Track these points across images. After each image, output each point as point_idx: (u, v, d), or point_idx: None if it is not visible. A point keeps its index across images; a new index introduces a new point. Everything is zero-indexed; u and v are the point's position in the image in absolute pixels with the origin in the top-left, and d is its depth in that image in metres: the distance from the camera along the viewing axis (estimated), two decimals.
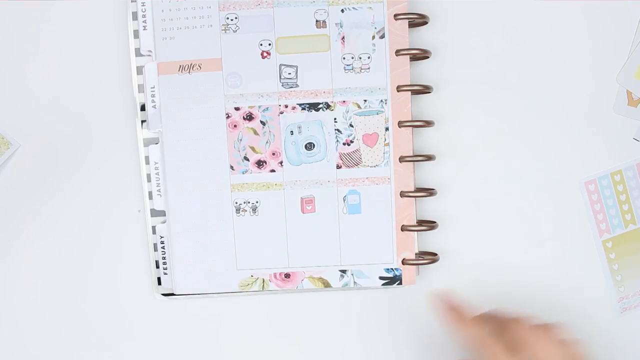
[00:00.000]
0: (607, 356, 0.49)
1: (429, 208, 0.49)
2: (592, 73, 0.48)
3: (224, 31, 0.47)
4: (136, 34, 0.47)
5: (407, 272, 0.48)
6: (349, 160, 0.47)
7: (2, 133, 0.49)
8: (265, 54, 0.47)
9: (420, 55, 0.47)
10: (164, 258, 0.48)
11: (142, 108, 0.48)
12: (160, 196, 0.48)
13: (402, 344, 0.49)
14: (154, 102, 0.47)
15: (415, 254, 0.48)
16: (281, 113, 0.47)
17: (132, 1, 0.47)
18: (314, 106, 0.47)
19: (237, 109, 0.47)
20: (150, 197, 0.48)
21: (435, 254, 0.48)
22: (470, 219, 0.49)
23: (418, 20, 0.47)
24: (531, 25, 0.48)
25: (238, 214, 0.48)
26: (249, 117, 0.47)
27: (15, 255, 0.50)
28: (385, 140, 0.47)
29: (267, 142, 0.47)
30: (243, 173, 0.47)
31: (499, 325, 0.42)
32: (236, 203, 0.48)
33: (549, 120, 0.48)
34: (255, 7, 0.47)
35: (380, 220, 0.47)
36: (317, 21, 0.47)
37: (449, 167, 0.48)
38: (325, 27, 0.46)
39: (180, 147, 0.48)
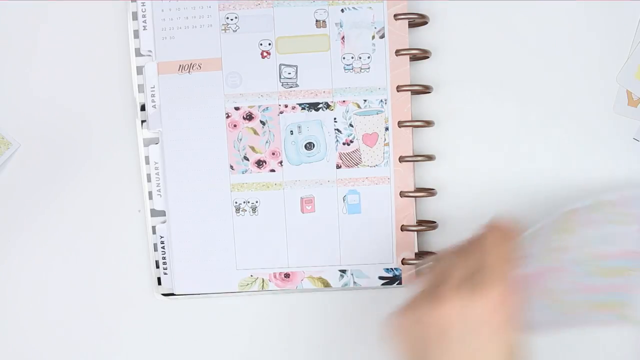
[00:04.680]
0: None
1: (428, 208, 0.49)
2: (592, 73, 0.48)
3: (223, 31, 0.47)
4: (136, 34, 0.47)
5: (406, 272, 0.47)
6: (349, 160, 0.47)
7: (2, 133, 0.49)
8: (265, 54, 0.47)
9: (420, 55, 0.47)
10: (164, 258, 0.48)
11: (142, 108, 0.48)
12: (160, 196, 0.48)
13: None
14: (154, 102, 0.47)
15: (415, 253, 0.48)
16: (281, 113, 0.47)
17: (132, 1, 0.47)
18: (313, 106, 0.47)
19: (237, 108, 0.47)
20: (150, 197, 0.48)
21: (435, 254, 0.48)
22: (470, 219, 0.48)
23: (418, 20, 0.47)
24: (531, 25, 0.48)
25: (238, 214, 0.48)
26: (249, 117, 0.47)
27: (15, 255, 0.50)
28: (385, 140, 0.47)
29: (266, 142, 0.47)
30: (243, 173, 0.48)
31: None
32: (236, 203, 0.48)
33: (549, 120, 0.48)
34: (255, 7, 0.47)
35: (380, 220, 0.47)
36: (317, 21, 0.47)
37: (449, 167, 0.48)
38: (325, 26, 0.46)
39: (180, 147, 0.48)
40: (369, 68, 0.47)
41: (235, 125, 0.47)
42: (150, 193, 0.48)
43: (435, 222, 0.48)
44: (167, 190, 0.48)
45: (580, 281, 0.41)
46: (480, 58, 0.48)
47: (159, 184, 0.48)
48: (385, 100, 0.47)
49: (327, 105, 0.47)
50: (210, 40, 0.47)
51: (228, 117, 0.47)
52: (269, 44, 0.47)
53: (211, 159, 0.48)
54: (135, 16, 0.47)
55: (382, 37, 0.46)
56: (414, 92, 0.47)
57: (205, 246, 0.48)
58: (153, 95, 0.47)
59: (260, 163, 0.48)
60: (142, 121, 0.48)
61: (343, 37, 0.47)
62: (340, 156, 0.47)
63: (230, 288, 0.48)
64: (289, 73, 0.47)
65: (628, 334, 0.48)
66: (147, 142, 0.48)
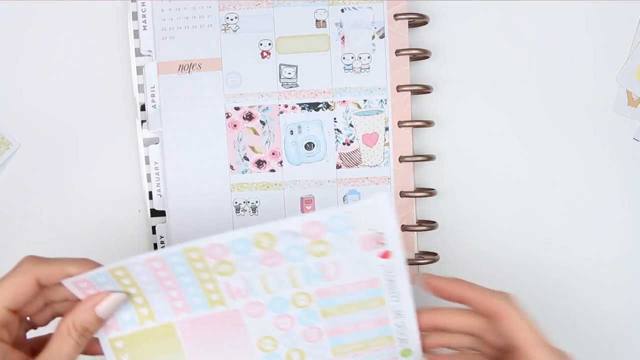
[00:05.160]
0: None
1: (428, 208, 0.49)
2: (592, 73, 0.48)
3: (223, 31, 0.47)
4: (136, 34, 0.47)
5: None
6: (349, 160, 0.47)
7: (2, 133, 0.49)
8: (265, 54, 0.47)
9: (420, 55, 0.47)
10: None
11: (142, 108, 0.48)
12: (160, 196, 0.48)
13: None
14: (154, 102, 0.47)
15: (415, 254, 0.48)
16: (281, 113, 0.47)
17: (132, 1, 0.47)
18: (313, 106, 0.47)
19: (237, 108, 0.47)
20: (150, 197, 0.48)
21: (435, 254, 0.48)
22: (470, 219, 0.49)
23: (418, 20, 0.47)
24: (531, 25, 0.48)
25: (238, 214, 0.48)
26: (249, 117, 0.47)
27: (14, 255, 0.50)
28: (385, 140, 0.47)
29: (267, 142, 0.47)
30: (243, 173, 0.48)
31: None
32: (236, 203, 0.48)
33: (549, 120, 0.48)
34: (255, 7, 0.47)
35: None
36: (317, 21, 0.47)
37: (449, 167, 0.48)
38: (325, 26, 0.47)
39: (180, 147, 0.48)
40: (369, 68, 0.47)
41: (235, 125, 0.47)
42: (150, 193, 0.48)
43: (435, 222, 0.48)
44: (167, 190, 0.48)
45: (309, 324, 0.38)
46: (480, 58, 0.48)
47: (159, 184, 0.48)
48: (385, 100, 0.47)
49: (327, 105, 0.47)
50: (210, 40, 0.47)
51: (228, 117, 0.47)
52: (269, 44, 0.47)
53: (211, 159, 0.48)
54: (135, 16, 0.47)
55: (382, 37, 0.46)
56: (414, 92, 0.47)
57: None
58: (153, 95, 0.47)
59: (260, 163, 0.48)
60: (142, 121, 0.48)
61: (343, 37, 0.47)
62: (340, 156, 0.47)
63: None
64: (289, 73, 0.47)
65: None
66: (147, 142, 0.48)
